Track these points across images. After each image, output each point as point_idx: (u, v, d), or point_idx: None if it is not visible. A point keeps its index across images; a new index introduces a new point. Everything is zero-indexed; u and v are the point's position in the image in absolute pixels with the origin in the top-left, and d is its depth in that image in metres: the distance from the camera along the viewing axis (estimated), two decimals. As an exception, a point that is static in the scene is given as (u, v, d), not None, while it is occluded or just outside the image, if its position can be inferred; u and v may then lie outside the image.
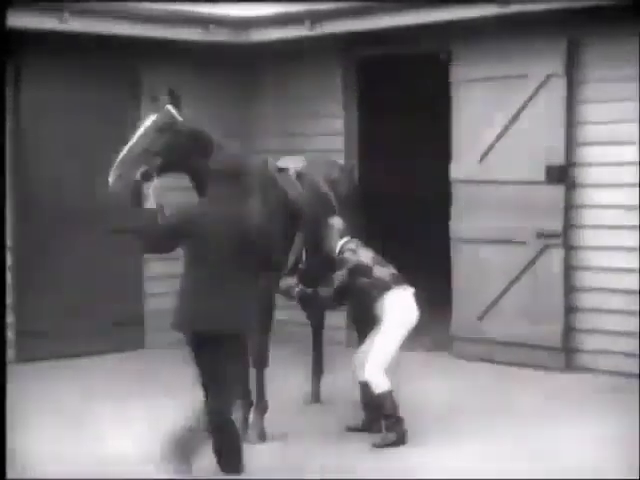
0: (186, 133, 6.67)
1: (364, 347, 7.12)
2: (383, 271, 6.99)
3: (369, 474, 6.33)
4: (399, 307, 6.94)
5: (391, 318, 6.91)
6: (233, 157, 6.58)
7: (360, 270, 6.96)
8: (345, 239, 7.11)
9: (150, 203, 6.49)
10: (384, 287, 6.93)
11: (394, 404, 6.88)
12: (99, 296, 9.86)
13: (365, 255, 7.04)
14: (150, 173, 6.52)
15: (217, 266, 5.94)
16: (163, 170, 6.63)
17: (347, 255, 7.00)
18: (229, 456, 6.09)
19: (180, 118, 6.68)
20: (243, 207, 6.54)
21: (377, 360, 6.91)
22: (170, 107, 6.68)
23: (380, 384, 6.88)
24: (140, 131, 6.61)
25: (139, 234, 6.50)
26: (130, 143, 6.55)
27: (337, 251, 7.06)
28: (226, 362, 5.98)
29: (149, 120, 6.65)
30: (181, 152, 6.65)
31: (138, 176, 6.48)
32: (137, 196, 6.55)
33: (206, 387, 6.13)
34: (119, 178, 6.44)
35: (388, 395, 6.87)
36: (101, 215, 9.67)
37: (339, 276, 6.94)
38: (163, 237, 6.17)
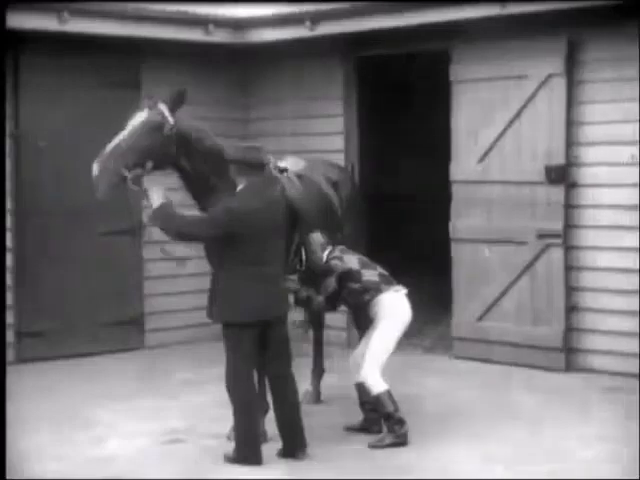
0: (176, 135, 6.56)
1: (359, 349, 7.12)
2: (372, 273, 7.01)
3: (369, 474, 6.33)
4: (392, 308, 6.95)
5: (385, 320, 6.92)
6: (249, 148, 6.59)
7: (349, 276, 6.98)
8: (329, 249, 7.13)
9: (153, 200, 6.43)
10: (376, 289, 6.95)
11: (394, 404, 6.87)
12: (99, 296, 9.85)
13: (351, 260, 7.06)
14: (138, 174, 6.46)
15: (270, 254, 6.36)
16: (149, 169, 6.54)
17: (334, 263, 7.01)
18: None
19: (171, 118, 6.55)
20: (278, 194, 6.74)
21: (372, 362, 6.90)
22: (163, 106, 6.59)
23: (376, 385, 6.87)
24: (128, 128, 6.51)
25: (184, 226, 6.41)
26: (117, 139, 6.47)
27: (324, 261, 7.08)
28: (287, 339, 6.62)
29: (139, 118, 6.55)
30: (167, 153, 6.56)
31: (124, 172, 6.40)
32: (124, 191, 6.51)
33: (273, 365, 6.56)
34: (102, 171, 6.36)
35: (386, 395, 6.86)
36: (101, 215, 9.70)
37: (329, 284, 6.97)
38: (214, 227, 6.30)
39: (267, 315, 6.41)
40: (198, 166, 6.67)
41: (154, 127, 6.51)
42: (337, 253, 7.10)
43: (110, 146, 6.45)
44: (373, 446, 6.77)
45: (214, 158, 6.68)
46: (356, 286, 6.96)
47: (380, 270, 7.07)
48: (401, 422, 6.84)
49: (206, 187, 6.69)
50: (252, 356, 6.43)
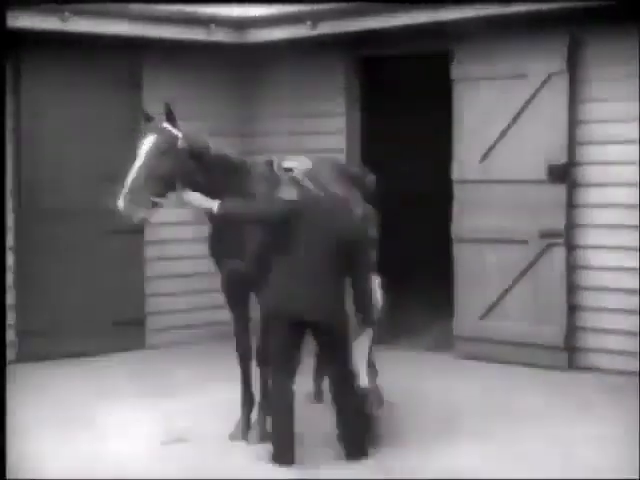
0: (188, 151, 6.58)
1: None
2: None
3: (369, 474, 6.31)
4: None
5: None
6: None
7: None
8: None
9: (207, 205, 6.54)
10: None
11: (379, 401, 6.90)
12: (99, 296, 9.84)
13: None
14: (161, 199, 6.50)
15: (316, 260, 6.42)
16: (172, 189, 6.58)
17: None
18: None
19: (179, 134, 6.57)
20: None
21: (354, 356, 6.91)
22: (168, 125, 6.57)
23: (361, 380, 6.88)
24: (143, 155, 6.49)
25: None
26: (135, 168, 6.44)
27: None
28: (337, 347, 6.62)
29: (149, 142, 6.52)
30: (187, 170, 6.59)
31: (155, 200, 6.43)
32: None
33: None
34: (130, 204, 6.35)
35: (369, 391, 6.86)
36: (102, 214, 9.69)
37: None
38: (274, 206, 6.59)
39: (296, 315, 6.36)
40: (211, 176, 6.70)
41: (167, 148, 6.50)
42: None
43: (130, 179, 6.41)
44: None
45: (224, 164, 6.77)
46: None
47: None
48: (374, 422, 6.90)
49: (220, 195, 6.69)
50: (283, 353, 6.43)
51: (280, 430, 6.42)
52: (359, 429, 6.55)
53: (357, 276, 6.50)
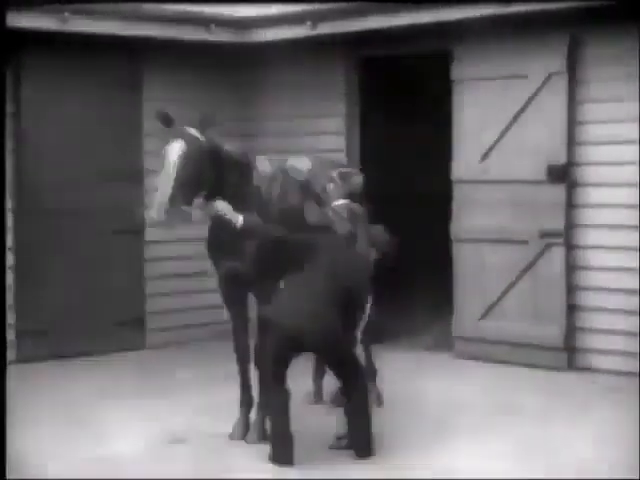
0: (213, 156, 6.57)
1: None
2: None
3: (368, 474, 6.31)
4: None
5: None
6: None
7: None
8: None
9: (233, 217, 6.57)
10: None
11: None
12: (99, 296, 9.85)
13: None
14: (190, 207, 6.49)
15: (318, 282, 6.49)
16: (197, 196, 6.56)
17: None
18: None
19: (203, 139, 6.52)
20: None
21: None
22: (192, 130, 6.53)
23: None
24: (173, 162, 6.39)
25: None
26: (167, 176, 6.37)
27: None
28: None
29: (177, 149, 6.43)
30: (211, 176, 6.58)
31: (188, 207, 6.42)
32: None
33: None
34: (167, 214, 6.31)
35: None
36: (102, 214, 9.72)
37: None
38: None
39: (292, 331, 6.34)
40: (231, 179, 6.74)
41: (196, 154, 6.45)
42: None
43: (163, 187, 6.35)
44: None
45: (241, 167, 6.82)
46: None
47: None
48: None
49: (237, 198, 6.71)
50: (280, 361, 6.43)
51: (278, 430, 6.44)
52: (368, 428, 6.58)
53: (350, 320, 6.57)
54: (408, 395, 7.91)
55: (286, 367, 6.48)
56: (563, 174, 8.91)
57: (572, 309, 9.00)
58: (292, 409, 6.46)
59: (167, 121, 6.56)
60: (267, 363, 6.51)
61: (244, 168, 6.88)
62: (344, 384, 6.57)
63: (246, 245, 6.74)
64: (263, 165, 7.09)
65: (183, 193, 6.38)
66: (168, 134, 6.54)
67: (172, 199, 6.33)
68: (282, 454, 6.42)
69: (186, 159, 6.40)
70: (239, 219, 6.56)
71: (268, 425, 6.63)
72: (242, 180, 6.83)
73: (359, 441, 6.57)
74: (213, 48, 10.08)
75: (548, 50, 8.89)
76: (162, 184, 6.36)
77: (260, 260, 6.73)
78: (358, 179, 7.63)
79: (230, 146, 6.96)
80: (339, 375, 6.57)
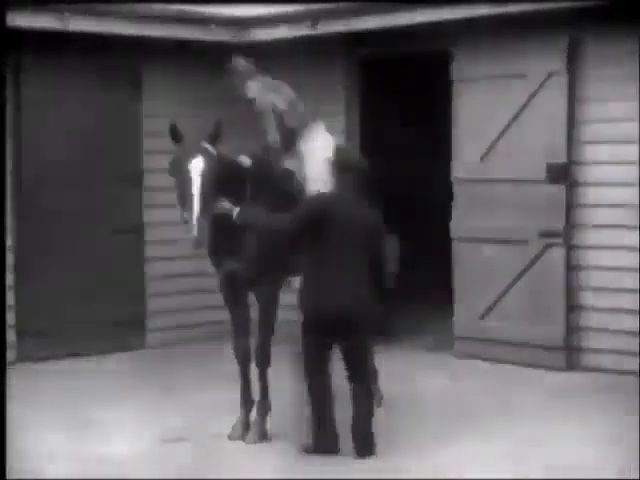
0: (228, 169, 6.67)
1: None
2: None
3: (368, 474, 6.32)
4: None
5: None
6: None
7: None
8: None
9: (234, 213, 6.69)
10: None
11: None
12: (99, 296, 9.85)
13: None
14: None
15: (347, 261, 6.50)
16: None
17: None
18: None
19: (215, 153, 6.58)
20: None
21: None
22: (207, 145, 6.58)
23: None
24: (200, 180, 6.44)
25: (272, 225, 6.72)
26: (198, 194, 6.41)
27: None
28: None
29: (199, 165, 6.47)
30: (225, 188, 6.66)
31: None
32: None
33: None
34: (201, 231, 6.38)
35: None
36: (102, 214, 9.72)
37: None
38: (296, 222, 6.54)
39: (328, 317, 6.44)
40: (242, 187, 6.91)
41: (216, 169, 6.51)
42: None
43: (197, 206, 6.38)
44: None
45: (257, 176, 6.95)
46: None
47: None
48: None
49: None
50: (316, 353, 6.54)
51: (321, 416, 6.52)
52: (369, 428, 6.60)
53: (374, 260, 6.62)
54: (408, 395, 7.90)
55: (330, 349, 6.58)
56: (563, 173, 8.91)
57: (572, 309, 9.00)
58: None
59: (176, 136, 6.60)
60: (312, 347, 6.55)
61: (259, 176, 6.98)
62: (356, 368, 6.59)
63: (247, 245, 6.76)
64: (244, 161, 7.16)
65: (207, 210, 6.47)
66: (179, 150, 6.58)
67: (202, 217, 6.40)
68: (325, 442, 6.51)
69: (209, 176, 6.48)
70: (234, 213, 6.63)
71: (268, 424, 6.63)
72: (259, 183, 6.91)
73: (359, 441, 6.57)
74: (213, 47, 10.08)
75: (547, 50, 8.89)
76: (195, 203, 6.41)
77: (260, 260, 6.74)
78: (356, 155, 7.65)
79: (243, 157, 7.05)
80: (356, 358, 6.57)
